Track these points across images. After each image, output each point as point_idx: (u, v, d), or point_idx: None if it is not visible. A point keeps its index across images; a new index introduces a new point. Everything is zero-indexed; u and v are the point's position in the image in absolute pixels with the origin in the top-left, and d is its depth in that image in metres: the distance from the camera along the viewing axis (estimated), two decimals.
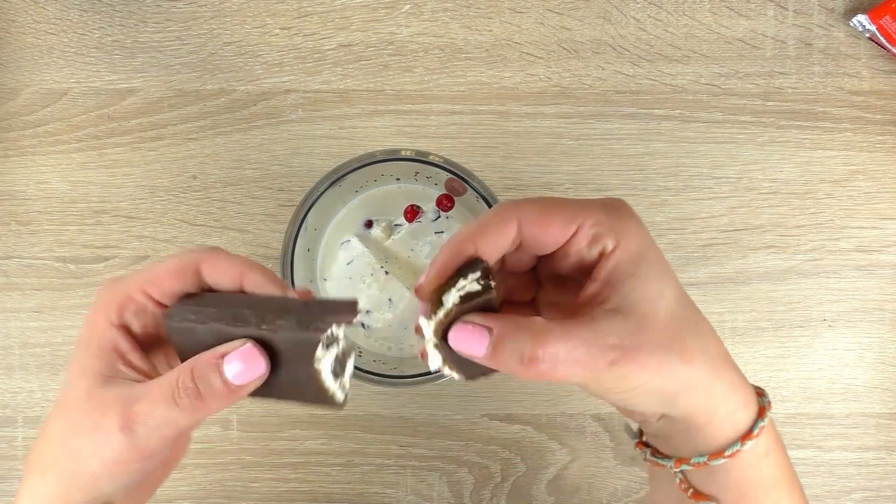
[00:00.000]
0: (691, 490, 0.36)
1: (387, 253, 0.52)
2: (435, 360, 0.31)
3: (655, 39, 0.54)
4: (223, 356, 0.30)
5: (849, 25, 0.54)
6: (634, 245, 0.31)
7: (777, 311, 0.54)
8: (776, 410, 0.54)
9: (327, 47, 0.54)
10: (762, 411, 0.33)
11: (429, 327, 0.31)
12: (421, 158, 0.46)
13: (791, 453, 0.36)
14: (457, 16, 0.54)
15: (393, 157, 0.46)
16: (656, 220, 0.54)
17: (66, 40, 0.54)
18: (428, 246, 0.51)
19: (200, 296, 0.33)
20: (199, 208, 0.54)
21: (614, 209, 0.32)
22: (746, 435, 0.33)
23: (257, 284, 0.32)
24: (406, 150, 0.47)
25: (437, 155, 0.46)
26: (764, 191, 0.54)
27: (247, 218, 0.54)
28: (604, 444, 0.54)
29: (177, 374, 0.31)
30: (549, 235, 0.32)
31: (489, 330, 0.30)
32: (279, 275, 0.46)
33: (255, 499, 0.54)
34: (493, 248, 0.32)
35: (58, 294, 0.54)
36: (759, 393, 0.34)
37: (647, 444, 0.37)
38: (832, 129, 0.54)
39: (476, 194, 0.46)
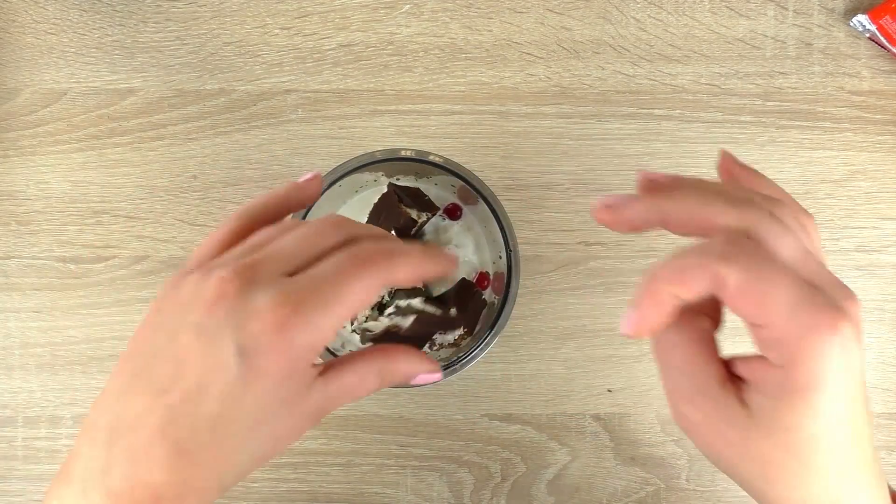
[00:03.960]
0: None
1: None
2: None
3: (655, 39, 0.54)
4: (416, 376, 0.34)
5: (849, 25, 0.54)
6: (803, 377, 0.26)
7: None
8: None
9: (327, 47, 0.54)
10: None
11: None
12: (421, 158, 0.46)
13: None
14: (457, 16, 0.54)
15: (393, 157, 0.46)
16: None
17: (66, 40, 0.54)
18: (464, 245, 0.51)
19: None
20: (199, 208, 0.54)
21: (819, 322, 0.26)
22: None
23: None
24: (406, 150, 0.46)
25: (437, 155, 0.46)
26: None
27: None
28: (604, 444, 0.54)
29: (374, 374, 0.33)
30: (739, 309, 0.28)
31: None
32: None
33: (255, 499, 0.54)
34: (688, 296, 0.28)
35: (58, 294, 0.54)
36: None
37: None
38: (832, 129, 0.54)
39: (477, 195, 0.46)
